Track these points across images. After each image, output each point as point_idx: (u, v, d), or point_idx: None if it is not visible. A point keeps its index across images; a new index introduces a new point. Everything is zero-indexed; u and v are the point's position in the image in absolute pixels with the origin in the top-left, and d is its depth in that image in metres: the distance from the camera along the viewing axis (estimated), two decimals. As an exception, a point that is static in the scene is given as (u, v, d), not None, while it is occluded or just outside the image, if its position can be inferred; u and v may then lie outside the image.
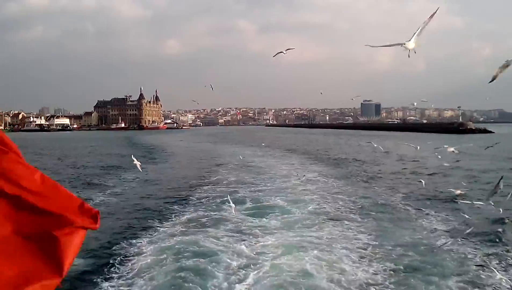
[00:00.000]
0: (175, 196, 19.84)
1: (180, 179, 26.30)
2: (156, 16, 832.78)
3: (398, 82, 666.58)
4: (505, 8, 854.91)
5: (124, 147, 65.63)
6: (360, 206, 16.79)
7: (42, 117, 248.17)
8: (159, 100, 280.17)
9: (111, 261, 10.55)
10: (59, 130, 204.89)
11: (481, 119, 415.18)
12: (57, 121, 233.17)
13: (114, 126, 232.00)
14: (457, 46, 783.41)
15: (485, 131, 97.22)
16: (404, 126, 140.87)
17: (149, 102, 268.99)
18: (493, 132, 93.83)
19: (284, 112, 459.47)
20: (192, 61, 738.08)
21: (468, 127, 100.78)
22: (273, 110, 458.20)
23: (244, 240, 11.95)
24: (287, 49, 13.65)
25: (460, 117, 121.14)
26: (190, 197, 19.16)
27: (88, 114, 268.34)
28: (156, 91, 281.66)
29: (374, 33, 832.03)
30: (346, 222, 14.20)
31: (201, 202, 18.04)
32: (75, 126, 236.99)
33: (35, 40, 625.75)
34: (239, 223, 13.90)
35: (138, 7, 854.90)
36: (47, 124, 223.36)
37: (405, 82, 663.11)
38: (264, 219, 14.44)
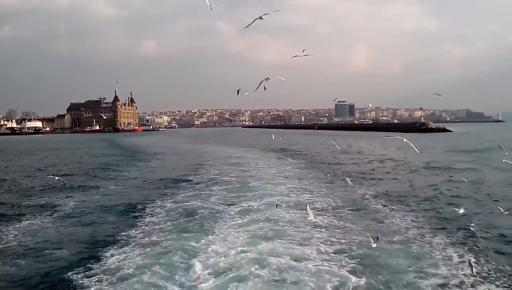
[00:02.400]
0: (164, 185, 23.33)
1: (168, 174, 29.23)
2: (134, 16, 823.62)
3: (373, 83, 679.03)
4: (475, 12, 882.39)
5: (110, 148, 69.45)
6: (322, 187, 22.00)
7: (13, 120, 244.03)
8: (134, 102, 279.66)
9: (95, 254, 11.44)
10: (31, 133, 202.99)
11: (448, 118, 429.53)
12: (29, 124, 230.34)
13: (88, 128, 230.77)
14: (431, 48, 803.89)
15: (444, 130, 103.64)
16: (373, 126, 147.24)
17: (124, 104, 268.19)
18: (451, 131, 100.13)
19: (260, 113, 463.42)
20: (169, 63, 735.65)
21: (429, 126, 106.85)
22: (249, 112, 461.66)
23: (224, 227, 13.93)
24: (304, 54, 13.37)
25: (422, 118, 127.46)
26: (177, 188, 22.20)
27: (61, 116, 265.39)
28: (131, 93, 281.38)
29: (352, 36, 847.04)
30: (309, 195, 19.59)
31: (190, 189, 21.77)
32: (47, 129, 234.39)
33: (3, 39, 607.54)
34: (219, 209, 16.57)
35: (115, 7, 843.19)
36: (19, 127, 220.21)
37: (380, 83, 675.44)
38: (240, 205, 17.30)
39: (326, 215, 15.21)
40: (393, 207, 16.50)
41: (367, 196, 19.10)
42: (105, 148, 70.18)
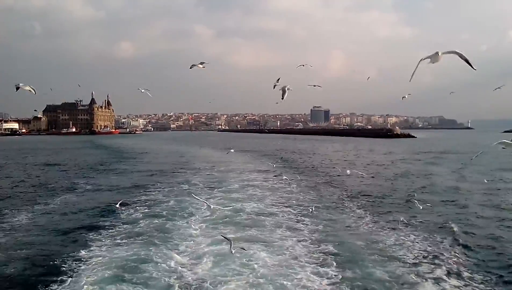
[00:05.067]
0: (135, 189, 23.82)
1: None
2: (110, 18, 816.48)
3: (349, 89, 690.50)
4: (449, 21, 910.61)
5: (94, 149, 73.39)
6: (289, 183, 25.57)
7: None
8: (111, 105, 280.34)
9: (62, 261, 11.37)
10: (8, 134, 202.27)
11: (420, 125, 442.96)
12: (5, 125, 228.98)
13: (65, 130, 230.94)
14: (406, 55, 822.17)
15: (408, 136, 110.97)
16: (344, 132, 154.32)
17: (101, 107, 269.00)
18: (415, 137, 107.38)
19: (236, 117, 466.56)
20: (145, 65, 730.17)
21: (395, 132, 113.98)
22: (225, 116, 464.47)
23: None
24: (202, 63, 13.59)
25: (389, 124, 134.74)
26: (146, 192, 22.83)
27: (37, 118, 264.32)
28: (107, 96, 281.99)
29: (329, 41, 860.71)
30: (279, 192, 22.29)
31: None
32: (23, 130, 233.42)
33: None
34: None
35: (91, 8, 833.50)
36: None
37: (355, 89, 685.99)
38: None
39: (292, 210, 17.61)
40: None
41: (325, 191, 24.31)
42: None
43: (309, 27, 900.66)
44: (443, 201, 19.67)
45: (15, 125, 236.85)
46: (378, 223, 15.30)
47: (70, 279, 10.19)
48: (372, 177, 28.49)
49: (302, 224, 15.11)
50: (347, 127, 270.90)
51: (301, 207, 17.86)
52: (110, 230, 14.56)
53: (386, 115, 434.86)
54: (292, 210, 17.35)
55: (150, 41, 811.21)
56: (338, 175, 28.56)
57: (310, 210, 15.89)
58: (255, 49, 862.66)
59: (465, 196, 21.02)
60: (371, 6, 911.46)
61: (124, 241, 13.26)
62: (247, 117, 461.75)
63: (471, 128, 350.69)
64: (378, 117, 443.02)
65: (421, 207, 15.20)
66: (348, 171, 23.76)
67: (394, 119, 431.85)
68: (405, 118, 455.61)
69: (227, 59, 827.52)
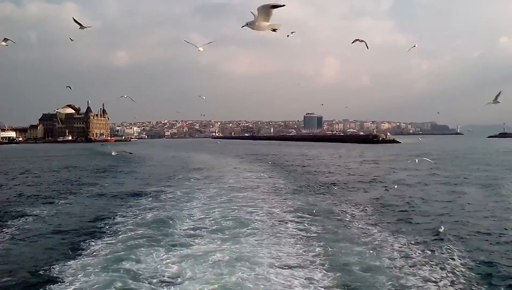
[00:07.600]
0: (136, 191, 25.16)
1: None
2: (107, 27, 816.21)
3: (343, 95, 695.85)
4: (442, 27, 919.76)
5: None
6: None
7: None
8: (106, 113, 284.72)
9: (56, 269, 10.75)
10: (6, 143, 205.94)
11: (411, 131, 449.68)
12: (3, 134, 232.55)
13: (61, 138, 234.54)
14: (400, 61, 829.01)
15: (393, 141, 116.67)
16: (333, 138, 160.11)
17: (97, 115, 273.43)
18: (400, 142, 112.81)
19: (230, 124, 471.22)
20: (140, 73, 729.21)
21: (381, 138, 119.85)
22: (219, 123, 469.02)
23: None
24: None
25: (375, 130, 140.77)
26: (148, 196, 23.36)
27: (34, 127, 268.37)
28: (103, 104, 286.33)
29: (324, 48, 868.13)
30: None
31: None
32: (20, 139, 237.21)
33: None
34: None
35: (87, 18, 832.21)
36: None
37: (349, 95, 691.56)
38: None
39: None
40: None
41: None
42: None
43: (304, 35, 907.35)
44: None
45: (12, 134, 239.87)
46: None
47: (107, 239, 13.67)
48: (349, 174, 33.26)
49: (290, 214, 17.16)
50: (342, 134, 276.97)
51: (286, 200, 21.23)
52: (132, 209, 18.94)
53: (373, 122, 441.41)
54: (279, 201, 20.79)
55: (145, 50, 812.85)
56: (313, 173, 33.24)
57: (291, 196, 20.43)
58: (250, 57, 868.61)
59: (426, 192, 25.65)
60: (366, 14, 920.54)
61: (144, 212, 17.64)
62: (241, 124, 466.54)
63: (461, 134, 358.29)
64: (370, 123, 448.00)
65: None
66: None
67: (386, 125, 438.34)
68: (398, 124, 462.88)
69: (222, 67, 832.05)
